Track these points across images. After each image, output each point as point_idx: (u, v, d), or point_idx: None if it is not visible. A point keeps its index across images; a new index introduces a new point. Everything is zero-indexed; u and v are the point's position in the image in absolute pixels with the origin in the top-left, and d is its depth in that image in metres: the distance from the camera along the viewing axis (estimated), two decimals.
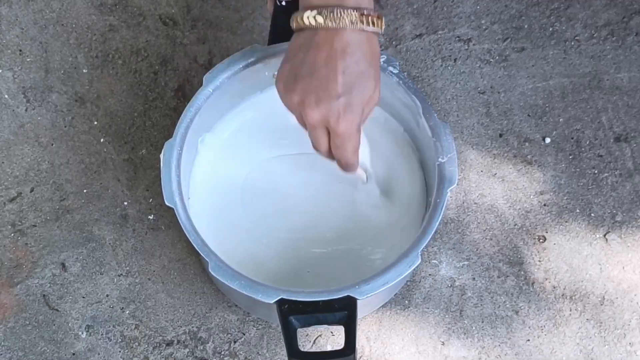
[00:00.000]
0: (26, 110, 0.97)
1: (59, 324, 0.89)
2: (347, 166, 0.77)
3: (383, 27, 0.72)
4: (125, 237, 0.92)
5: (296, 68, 0.72)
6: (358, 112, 0.72)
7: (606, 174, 0.95)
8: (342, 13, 0.69)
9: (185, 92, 0.98)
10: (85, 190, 0.94)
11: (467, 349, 0.87)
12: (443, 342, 0.88)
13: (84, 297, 0.90)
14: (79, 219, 0.93)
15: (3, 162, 0.95)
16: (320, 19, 0.70)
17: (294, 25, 0.72)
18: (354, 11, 0.69)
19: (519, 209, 0.93)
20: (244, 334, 0.88)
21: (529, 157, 0.95)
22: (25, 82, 0.99)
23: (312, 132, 0.74)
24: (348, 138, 0.73)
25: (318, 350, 0.87)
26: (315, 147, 0.76)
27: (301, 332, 0.87)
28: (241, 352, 0.87)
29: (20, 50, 1.00)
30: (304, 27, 0.71)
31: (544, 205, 0.93)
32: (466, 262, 0.91)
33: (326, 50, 0.70)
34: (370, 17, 0.70)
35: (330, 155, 0.76)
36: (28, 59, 1.00)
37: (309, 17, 0.70)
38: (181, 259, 0.91)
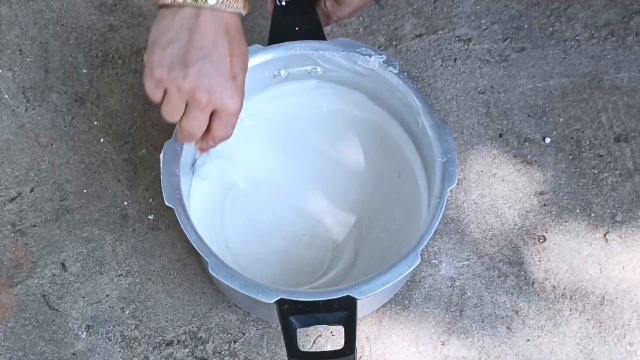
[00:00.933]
0: (26, 110, 0.97)
1: (59, 324, 0.89)
2: (218, 141, 0.78)
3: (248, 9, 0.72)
4: (125, 237, 0.92)
5: (183, 51, 0.71)
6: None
7: (606, 174, 0.95)
8: None
9: None
10: (85, 190, 0.94)
11: (467, 349, 0.87)
12: (443, 342, 0.88)
13: (84, 297, 0.90)
14: (79, 219, 0.93)
15: (3, 162, 0.95)
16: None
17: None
18: None
19: (519, 209, 0.93)
20: (244, 334, 0.88)
21: (529, 157, 0.95)
22: (25, 82, 0.99)
23: (194, 112, 0.74)
24: (235, 116, 0.75)
25: (318, 350, 0.87)
26: (188, 129, 0.76)
27: (301, 332, 0.87)
28: (241, 352, 0.87)
29: (20, 50, 1.00)
30: (180, 3, 0.70)
31: (544, 205, 0.93)
32: (466, 262, 0.91)
33: (211, 34, 0.70)
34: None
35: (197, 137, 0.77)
36: (28, 59, 1.00)
37: None
38: (181, 259, 0.91)
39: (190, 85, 0.72)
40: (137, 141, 0.96)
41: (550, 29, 1.01)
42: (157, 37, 0.72)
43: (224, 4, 0.70)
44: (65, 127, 0.97)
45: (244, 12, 0.73)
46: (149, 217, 0.93)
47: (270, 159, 0.91)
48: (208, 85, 0.72)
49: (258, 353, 0.87)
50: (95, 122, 0.97)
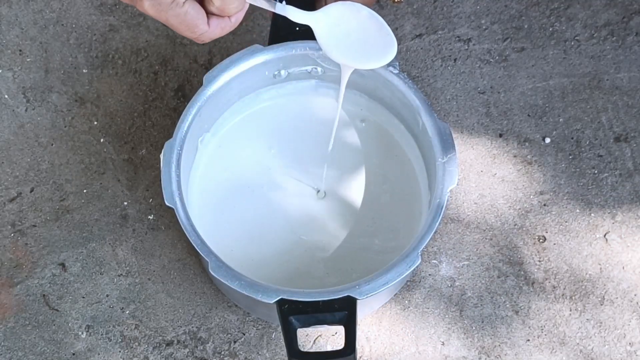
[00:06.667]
0: (26, 110, 0.97)
1: (59, 324, 0.89)
2: (200, 40, 0.66)
3: None
4: (125, 237, 0.92)
5: None
6: None
7: (606, 174, 0.95)
8: None
9: (185, 92, 0.98)
10: (85, 190, 0.94)
11: (467, 349, 0.87)
12: (443, 342, 0.88)
13: (84, 297, 0.90)
14: (79, 219, 0.93)
15: (3, 162, 0.95)
16: None
17: None
18: None
19: (519, 209, 0.93)
20: (244, 334, 0.88)
21: (529, 157, 0.95)
22: (25, 82, 0.99)
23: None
24: (160, 15, 0.63)
25: (318, 350, 0.87)
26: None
27: (301, 332, 0.87)
28: (241, 352, 0.87)
29: (20, 50, 1.00)
30: None
31: (544, 205, 0.93)
32: (466, 262, 0.91)
33: None
34: None
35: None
36: (28, 59, 1.00)
37: None
38: (181, 259, 0.91)
39: None
40: (137, 141, 0.96)
41: (550, 29, 1.01)
42: None
43: None
44: (65, 127, 0.97)
45: None
46: (149, 217, 0.93)
47: (270, 158, 0.91)
48: None
49: (258, 353, 0.87)
50: (95, 122, 0.97)
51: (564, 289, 0.90)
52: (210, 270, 0.76)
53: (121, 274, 0.91)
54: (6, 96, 0.98)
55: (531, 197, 0.94)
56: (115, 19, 1.02)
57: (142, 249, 0.92)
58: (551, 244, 0.92)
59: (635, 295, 0.89)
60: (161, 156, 0.81)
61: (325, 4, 0.87)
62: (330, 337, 0.88)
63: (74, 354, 0.87)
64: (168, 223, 0.93)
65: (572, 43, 1.01)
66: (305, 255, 0.87)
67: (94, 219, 0.93)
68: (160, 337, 0.88)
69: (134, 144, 0.96)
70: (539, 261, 0.91)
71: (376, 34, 0.71)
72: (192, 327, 0.88)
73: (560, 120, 0.97)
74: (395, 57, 0.98)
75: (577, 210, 0.93)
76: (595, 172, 0.95)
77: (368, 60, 0.71)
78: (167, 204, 0.79)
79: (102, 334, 0.88)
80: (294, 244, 0.87)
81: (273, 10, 0.69)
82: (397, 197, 0.89)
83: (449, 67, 1.00)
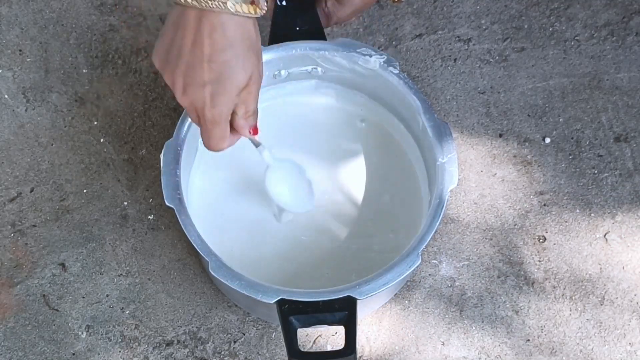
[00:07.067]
0: (26, 110, 0.97)
1: (59, 324, 0.89)
2: (213, 150, 0.76)
3: (259, 12, 0.68)
4: (125, 237, 0.92)
5: (167, 47, 0.70)
6: (225, 102, 0.70)
7: (606, 174, 0.95)
8: None
9: None
10: (85, 190, 0.94)
11: (467, 349, 0.87)
12: (443, 342, 0.88)
13: (84, 297, 0.90)
14: (79, 219, 0.93)
15: (3, 162, 0.95)
16: None
17: None
18: None
19: (519, 209, 0.93)
20: (244, 334, 0.88)
21: (529, 157, 0.95)
22: (25, 82, 0.99)
23: (187, 111, 0.74)
24: (214, 126, 0.72)
25: (318, 350, 0.87)
26: (193, 120, 0.75)
27: (301, 332, 0.87)
28: (241, 352, 0.87)
29: (20, 50, 1.00)
30: (177, 1, 0.67)
31: (544, 205, 0.93)
32: (466, 262, 0.91)
33: (192, 32, 0.67)
34: (242, 2, 0.66)
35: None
36: (28, 59, 1.00)
37: None
38: (181, 259, 0.91)
39: (169, 81, 0.71)
40: (137, 141, 0.96)
41: (550, 29, 1.01)
42: (162, 27, 0.71)
43: (200, 1, 0.66)
44: (65, 127, 0.97)
45: (241, 13, 0.67)
46: (149, 217, 0.93)
47: (270, 158, 0.91)
48: (183, 88, 0.71)
49: (258, 353, 0.87)
50: (95, 122, 0.97)
51: (564, 289, 0.90)
52: (210, 270, 0.76)
53: (121, 274, 0.91)
54: (6, 96, 0.98)
55: (531, 197, 0.94)
56: (115, 19, 1.02)
57: (142, 249, 0.92)
58: (551, 244, 0.92)
59: (635, 295, 0.89)
60: (161, 156, 0.81)
61: (325, 5, 0.87)
62: (330, 337, 0.88)
63: (74, 354, 0.87)
64: (168, 223, 0.93)
65: (572, 43, 1.01)
66: (305, 255, 0.87)
67: (94, 219, 0.93)
68: (160, 337, 0.88)
69: (134, 144, 0.96)
70: (539, 261, 0.91)
71: (306, 190, 0.86)
72: (192, 327, 0.88)
73: (560, 120, 0.97)
74: (396, 57, 0.99)
75: (577, 210, 0.93)
76: (595, 172, 0.95)
77: (291, 208, 0.87)
78: (167, 204, 0.79)
79: (102, 334, 0.88)
80: (294, 244, 0.87)
81: (255, 148, 0.82)
82: (397, 197, 0.89)
83: (449, 67, 1.00)
